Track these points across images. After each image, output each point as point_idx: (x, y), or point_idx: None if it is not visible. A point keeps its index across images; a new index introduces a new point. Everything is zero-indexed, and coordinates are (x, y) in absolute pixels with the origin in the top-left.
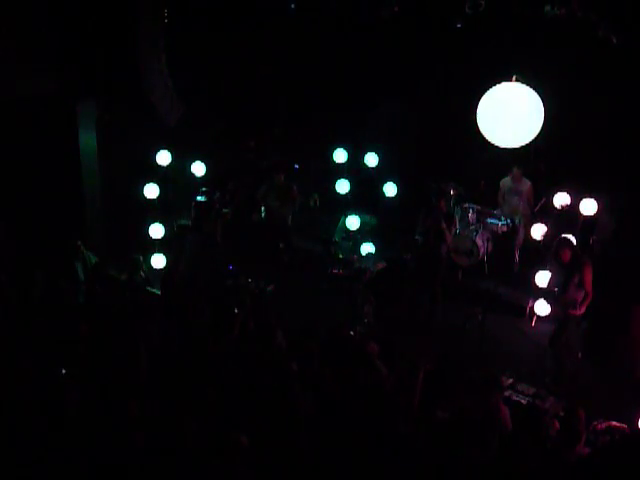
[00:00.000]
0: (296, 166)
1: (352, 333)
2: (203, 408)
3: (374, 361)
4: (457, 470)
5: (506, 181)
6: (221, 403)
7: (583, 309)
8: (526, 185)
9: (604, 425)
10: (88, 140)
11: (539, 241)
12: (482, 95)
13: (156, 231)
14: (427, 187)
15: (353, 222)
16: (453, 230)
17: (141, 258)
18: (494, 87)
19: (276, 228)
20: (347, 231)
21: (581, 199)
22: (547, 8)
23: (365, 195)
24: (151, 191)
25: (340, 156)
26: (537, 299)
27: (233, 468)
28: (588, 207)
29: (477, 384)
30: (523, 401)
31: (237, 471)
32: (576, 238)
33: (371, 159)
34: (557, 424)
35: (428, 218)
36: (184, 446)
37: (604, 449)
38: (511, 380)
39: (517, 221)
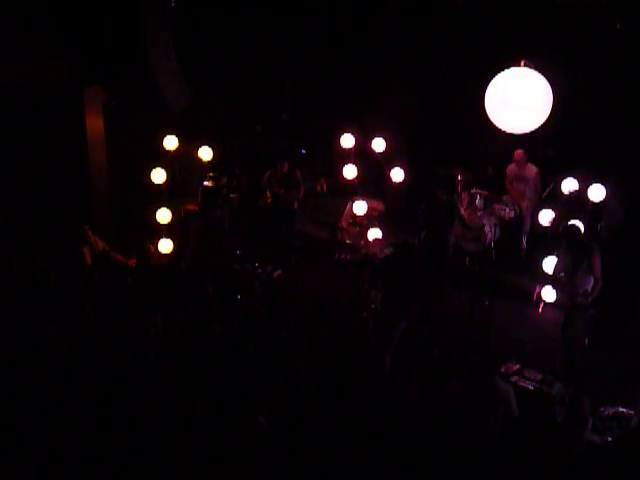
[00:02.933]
0: (303, 151)
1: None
2: (218, 391)
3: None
4: (461, 454)
5: (513, 167)
6: (235, 386)
7: (593, 296)
8: (532, 171)
9: (611, 411)
10: (95, 126)
11: (546, 227)
12: (490, 80)
13: (163, 216)
14: (434, 174)
15: (360, 207)
16: (462, 213)
17: (152, 244)
18: (503, 72)
19: (282, 213)
20: (354, 216)
21: (589, 185)
22: None
23: (372, 180)
24: (158, 176)
25: (347, 141)
26: (544, 285)
27: (251, 448)
28: (596, 193)
29: (476, 366)
30: (530, 387)
31: (255, 451)
32: (584, 224)
33: (378, 144)
34: (562, 410)
35: (433, 212)
36: (200, 428)
37: (616, 440)
38: (518, 366)
39: (524, 207)
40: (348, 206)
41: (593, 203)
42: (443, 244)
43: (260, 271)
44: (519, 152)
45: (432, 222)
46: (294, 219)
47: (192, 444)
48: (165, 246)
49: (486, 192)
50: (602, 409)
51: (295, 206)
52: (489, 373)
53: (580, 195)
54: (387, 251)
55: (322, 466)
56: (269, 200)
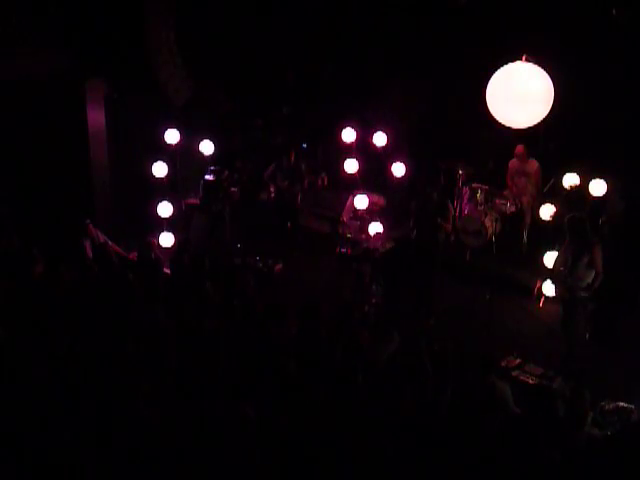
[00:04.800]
0: (304, 145)
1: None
2: (210, 383)
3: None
4: (459, 451)
5: (514, 162)
6: (228, 378)
7: (593, 290)
8: (533, 166)
9: (612, 406)
10: (97, 119)
11: (548, 222)
12: (492, 74)
13: (164, 210)
14: (435, 168)
15: (361, 201)
16: (450, 217)
17: (153, 238)
18: (504, 67)
19: (285, 207)
20: (355, 211)
21: (590, 180)
22: None
23: (373, 175)
24: (159, 170)
25: (348, 135)
26: (545, 280)
27: (239, 439)
28: (597, 188)
29: (473, 364)
30: (531, 381)
31: (243, 442)
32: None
33: (380, 138)
34: (563, 405)
35: (421, 211)
36: (190, 418)
37: (619, 433)
38: (519, 360)
39: (525, 202)
40: (349, 200)
41: (594, 198)
42: (433, 243)
43: (261, 265)
44: (520, 147)
45: (422, 222)
46: (298, 214)
47: (181, 434)
48: (166, 240)
49: (487, 186)
50: (603, 403)
51: (299, 200)
52: (487, 371)
53: (581, 190)
54: (388, 245)
55: (318, 462)
56: (272, 194)
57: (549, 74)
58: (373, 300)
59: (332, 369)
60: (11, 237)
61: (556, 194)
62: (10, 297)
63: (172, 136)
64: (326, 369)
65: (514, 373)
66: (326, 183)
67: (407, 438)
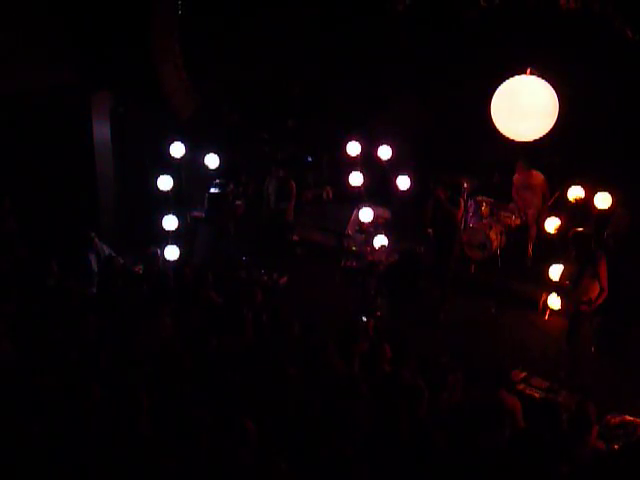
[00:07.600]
0: (309, 158)
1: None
2: (211, 396)
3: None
4: (466, 465)
5: (517, 177)
6: (230, 392)
7: (598, 304)
8: (538, 178)
9: (618, 419)
10: (102, 132)
11: (553, 235)
12: (497, 88)
13: (169, 223)
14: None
15: (366, 215)
16: (462, 213)
17: (158, 251)
18: (509, 80)
19: (276, 222)
20: (360, 224)
21: (596, 193)
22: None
23: (378, 188)
24: (165, 183)
25: (353, 148)
26: (550, 293)
27: (239, 453)
28: (602, 201)
29: (484, 377)
30: (536, 395)
31: (243, 456)
32: (590, 232)
33: (384, 152)
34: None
35: (431, 208)
36: (189, 432)
37: (624, 447)
38: (524, 374)
39: (530, 215)
40: (354, 213)
41: (599, 210)
42: (450, 241)
43: (266, 278)
44: (519, 162)
45: (437, 219)
46: (290, 230)
47: (183, 447)
48: (171, 252)
49: (492, 199)
50: (609, 417)
51: (290, 217)
52: (499, 385)
53: (586, 203)
54: (393, 258)
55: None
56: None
57: (554, 87)
58: (378, 313)
59: (336, 381)
60: (20, 250)
61: (561, 207)
62: (23, 310)
63: (177, 149)
64: (330, 381)
65: (520, 387)
66: (331, 196)
67: (408, 451)
